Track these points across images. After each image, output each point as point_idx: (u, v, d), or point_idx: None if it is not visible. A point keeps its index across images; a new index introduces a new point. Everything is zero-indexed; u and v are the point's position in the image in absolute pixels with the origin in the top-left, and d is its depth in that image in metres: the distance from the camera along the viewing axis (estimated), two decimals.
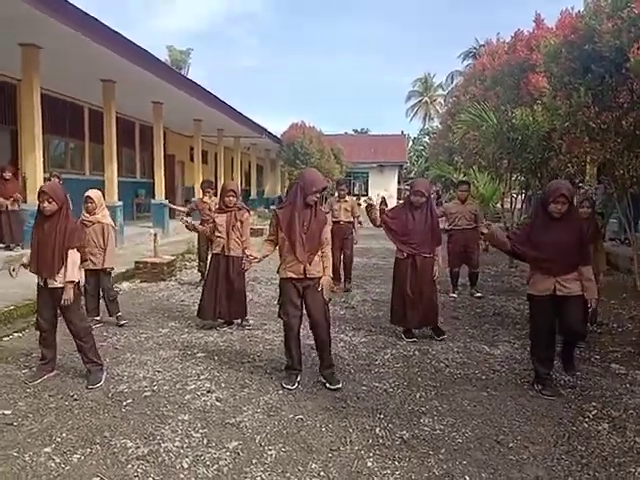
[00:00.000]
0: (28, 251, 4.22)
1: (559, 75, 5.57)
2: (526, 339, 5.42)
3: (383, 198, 5.44)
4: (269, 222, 4.38)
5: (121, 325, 5.74)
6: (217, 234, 5.70)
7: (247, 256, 5.52)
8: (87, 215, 5.59)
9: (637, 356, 4.91)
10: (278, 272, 4.23)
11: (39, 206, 4.04)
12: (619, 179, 5.58)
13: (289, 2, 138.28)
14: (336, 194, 8.17)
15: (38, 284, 4.16)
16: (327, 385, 4.09)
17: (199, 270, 8.32)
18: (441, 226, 5.75)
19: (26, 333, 5.36)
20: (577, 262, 3.97)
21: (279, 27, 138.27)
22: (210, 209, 8.10)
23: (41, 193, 3.99)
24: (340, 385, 4.08)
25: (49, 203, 3.97)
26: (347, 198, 8.05)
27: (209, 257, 8.03)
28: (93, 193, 5.67)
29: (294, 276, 4.09)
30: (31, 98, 8.67)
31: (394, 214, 5.47)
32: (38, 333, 4.25)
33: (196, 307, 6.72)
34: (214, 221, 5.73)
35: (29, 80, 8.66)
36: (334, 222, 7.68)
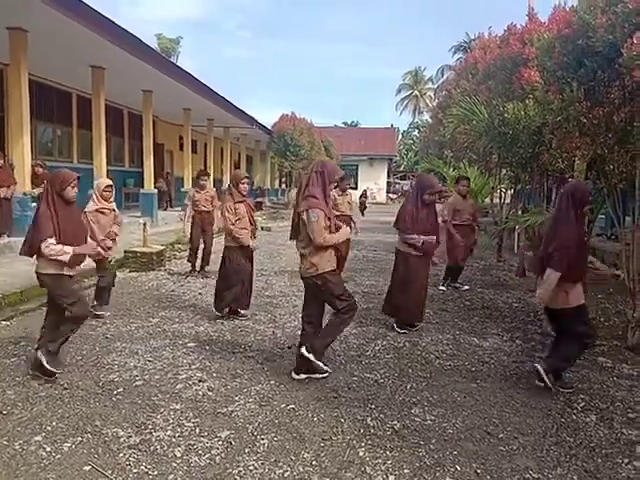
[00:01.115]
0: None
1: (552, 69, 5.57)
2: (514, 332, 5.49)
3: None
4: (310, 220, 3.84)
5: (102, 315, 5.59)
6: (241, 226, 5.59)
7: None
8: (105, 202, 5.47)
9: (623, 350, 4.97)
10: (313, 269, 3.94)
11: (64, 194, 3.76)
12: (609, 174, 5.61)
13: None
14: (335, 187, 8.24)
15: (65, 275, 3.84)
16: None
17: (189, 260, 8.28)
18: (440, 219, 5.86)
19: (14, 322, 5.30)
20: None
21: (270, 17, 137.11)
22: (209, 200, 8.07)
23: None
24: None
25: (76, 189, 3.84)
26: (348, 191, 8.18)
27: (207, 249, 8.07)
28: (110, 182, 5.62)
29: (335, 267, 4.08)
30: (18, 83, 8.51)
31: (410, 218, 5.30)
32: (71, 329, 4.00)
33: (187, 297, 6.72)
34: (236, 212, 5.58)
35: (16, 65, 8.50)
36: (338, 215, 7.71)
